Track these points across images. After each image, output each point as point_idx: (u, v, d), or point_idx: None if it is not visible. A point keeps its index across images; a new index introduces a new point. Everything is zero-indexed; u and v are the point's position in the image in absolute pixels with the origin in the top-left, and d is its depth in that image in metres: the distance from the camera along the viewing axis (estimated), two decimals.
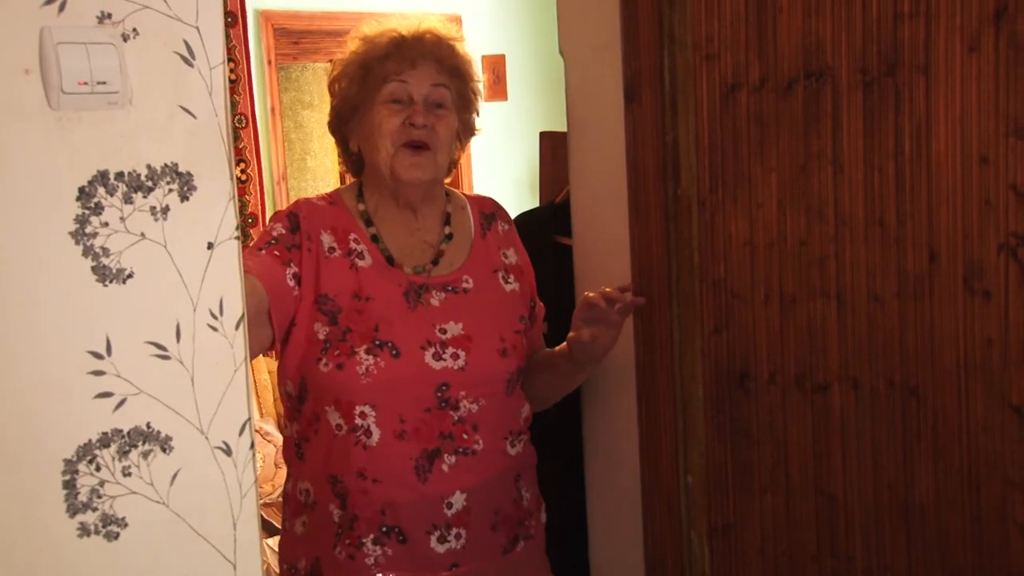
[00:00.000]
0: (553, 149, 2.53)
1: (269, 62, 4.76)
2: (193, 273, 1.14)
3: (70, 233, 1.06)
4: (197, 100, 1.14)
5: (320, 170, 5.28)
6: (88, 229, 1.07)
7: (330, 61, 5.56)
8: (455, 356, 1.75)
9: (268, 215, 4.68)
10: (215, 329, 1.15)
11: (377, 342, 1.71)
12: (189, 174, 1.13)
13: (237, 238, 1.17)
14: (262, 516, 1.33)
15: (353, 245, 1.79)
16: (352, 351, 1.70)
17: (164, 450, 1.14)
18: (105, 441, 1.10)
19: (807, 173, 1.76)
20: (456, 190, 1.97)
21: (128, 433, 1.11)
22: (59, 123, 1.05)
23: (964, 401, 1.69)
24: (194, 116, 1.14)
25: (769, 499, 1.87)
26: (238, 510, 1.19)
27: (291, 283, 1.73)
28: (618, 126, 1.93)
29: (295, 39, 4.99)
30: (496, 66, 5.53)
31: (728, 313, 1.86)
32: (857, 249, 1.74)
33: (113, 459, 1.11)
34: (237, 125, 4.33)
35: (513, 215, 2.64)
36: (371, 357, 1.70)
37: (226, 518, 1.19)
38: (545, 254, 2.21)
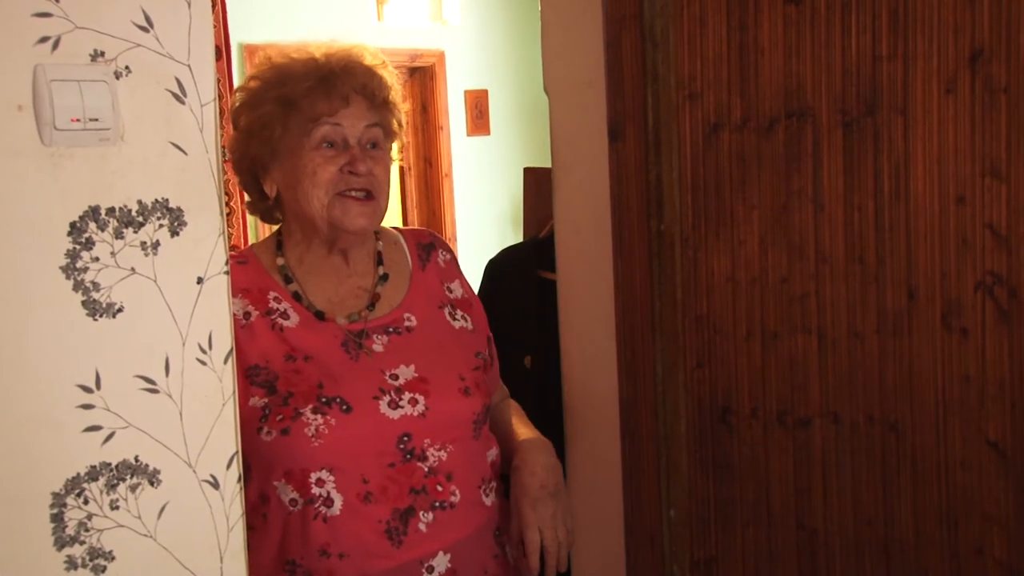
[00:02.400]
0: (537, 185, 2.55)
1: None
2: (182, 307, 1.15)
3: (61, 268, 1.07)
4: (188, 137, 1.15)
5: None
6: (79, 264, 1.08)
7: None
8: (413, 402, 1.58)
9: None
10: (204, 363, 1.16)
11: (323, 399, 1.53)
12: (180, 210, 1.15)
13: (226, 273, 1.18)
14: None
15: (273, 304, 1.61)
16: (297, 413, 1.51)
17: (152, 483, 1.14)
18: (93, 474, 1.10)
19: (788, 211, 1.79)
20: (384, 226, 1.79)
21: (116, 466, 1.12)
22: (51, 159, 1.07)
23: (942, 437, 1.71)
24: (185, 152, 1.15)
25: (751, 533, 1.88)
26: (225, 543, 1.20)
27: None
28: (602, 163, 1.95)
29: None
30: (479, 101, 5.57)
31: (710, 349, 1.88)
32: (837, 286, 1.77)
33: (101, 492, 1.11)
34: (220, 158, 4.33)
35: (496, 250, 2.66)
36: (319, 416, 1.51)
37: (213, 551, 1.19)
38: (529, 289, 2.23)
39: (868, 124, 1.71)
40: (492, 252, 2.61)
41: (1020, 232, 1.59)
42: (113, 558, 1.12)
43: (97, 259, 1.09)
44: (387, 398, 1.57)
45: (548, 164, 2.11)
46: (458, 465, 1.60)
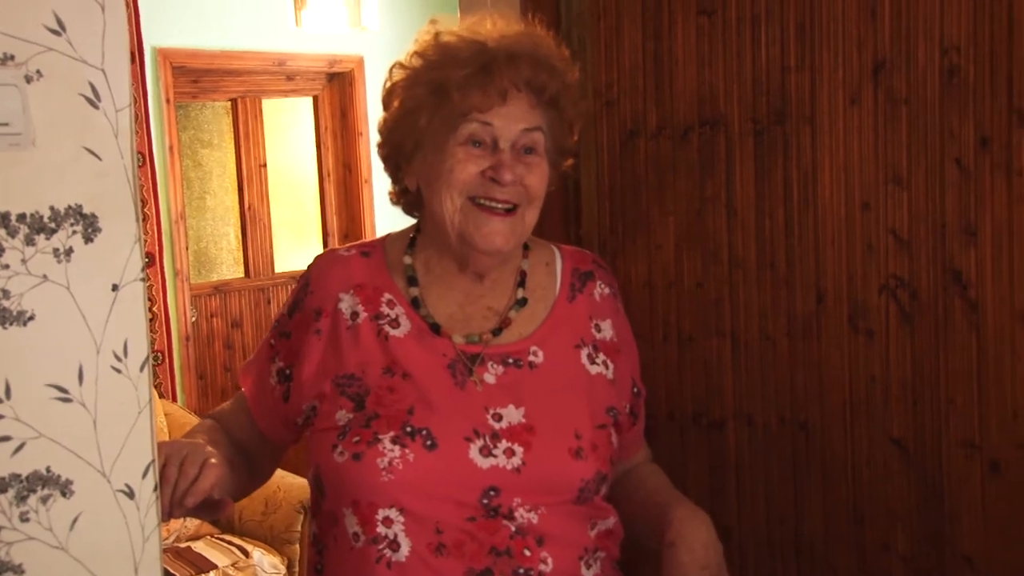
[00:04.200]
0: None
1: (167, 100, 4.71)
2: (97, 315, 1.13)
3: None
4: (102, 142, 1.14)
5: (220, 209, 5.22)
6: None
7: (229, 101, 5.49)
8: (509, 452, 1.34)
9: (165, 254, 4.61)
10: (119, 371, 1.15)
11: (408, 428, 1.33)
12: (94, 216, 1.13)
13: (142, 280, 1.17)
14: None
15: (385, 308, 1.42)
16: (375, 438, 1.33)
17: (64, 494, 1.12)
18: (2, 486, 1.08)
19: (703, 217, 1.83)
20: (543, 240, 1.56)
21: (27, 478, 1.10)
22: None
23: (850, 436, 1.76)
24: (99, 158, 1.14)
25: None
26: (140, 554, 1.18)
27: (273, 380, 1.46)
28: None
29: (194, 78, 4.95)
30: None
31: None
32: (750, 290, 1.81)
33: (11, 504, 1.09)
34: (136, 164, 4.26)
35: None
36: (397, 448, 1.32)
37: (127, 562, 1.17)
38: None
39: (778, 133, 1.76)
40: None
41: (921, 237, 1.66)
42: (23, 571, 1.10)
43: (7, 266, 1.08)
44: (480, 442, 1.35)
45: None
46: (552, 528, 1.36)
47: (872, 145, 1.68)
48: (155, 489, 1.20)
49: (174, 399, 4.44)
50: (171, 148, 4.74)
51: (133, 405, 1.16)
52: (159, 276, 4.38)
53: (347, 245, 1.52)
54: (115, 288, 1.15)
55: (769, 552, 1.85)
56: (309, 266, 1.51)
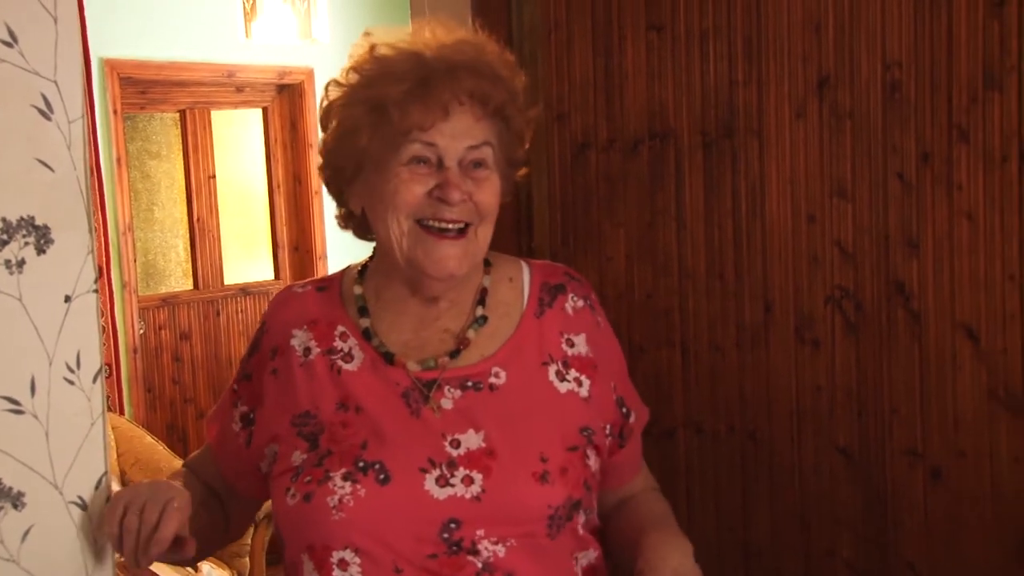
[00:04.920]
0: None
1: (115, 112, 4.66)
2: (49, 327, 1.13)
3: None
4: (55, 154, 1.14)
5: (168, 221, 5.17)
6: None
7: (178, 112, 5.41)
8: (467, 480, 1.25)
9: (113, 267, 4.56)
10: (72, 383, 1.14)
11: (360, 463, 1.26)
12: (46, 227, 1.13)
13: (95, 291, 1.16)
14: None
15: (338, 342, 1.35)
16: (326, 476, 1.25)
17: (16, 506, 1.12)
18: None
19: (653, 229, 1.86)
20: (510, 256, 1.47)
21: None
22: None
23: (796, 445, 1.79)
24: (52, 170, 1.13)
25: None
26: (92, 566, 1.18)
27: (237, 427, 1.39)
28: None
29: (142, 88, 4.91)
30: None
31: None
32: (699, 301, 1.84)
33: None
34: (88, 175, 4.21)
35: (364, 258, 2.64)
36: (348, 484, 1.24)
37: (80, 574, 1.17)
38: None
39: (726, 146, 1.79)
40: None
41: (864, 248, 1.69)
42: None
43: None
44: (437, 472, 1.25)
45: None
46: (524, 564, 1.25)
47: (817, 158, 1.72)
48: (107, 500, 1.19)
49: (121, 412, 4.39)
50: (119, 160, 4.69)
51: (86, 416, 1.16)
52: (106, 288, 4.33)
53: (304, 281, 1.47)
54: (68, 299, 1.14)
55: (718, 559, 1.87)
56: (268, 305, 1.46)
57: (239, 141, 5.42)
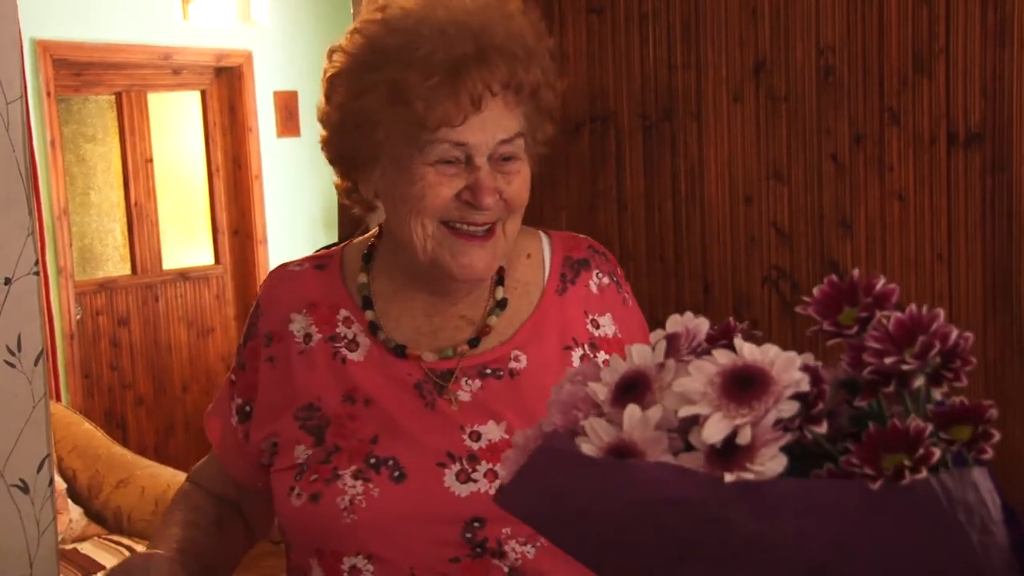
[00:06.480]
0: None
1: (48, 94, 4.58)
2: None
3: None
4: None
5: (105, 205, 5.10)
6: None
7: (113, 94, 5.30)
8: (491, 475, 1.16)
9: (48, 251, 4.48)
10: (12, 365, 1.13)
11: (372, 460, 1.17)
12: None
13: (36, 273, 1.16)
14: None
15: (341, 328, 1.26)
16: (334, 474, 1.16)
17: None
18: None
19: (594, 211, 1.88)
20: (529, 228, 1.34)
21: None
22: None
23: None
24: None
25: None
26: (35, 548, 1.17)
27: (235, 421, 1.28)
28: None
29: (77, 71, 4.82)
30: (288, 102, 5.51)
31: None
32: (640, 282, 1.87)
33: None
34: (28, 157, 4.14)
35: (308, 251, 2.63)
36: (360, 483, 1.15)
37: (22, 557, 1.16)
38: None
39: (666, 129, 1.82)
40: (303, 254, 2.60)
41: (800, 230, 1.73)
42: None
43: None
44: (456, 466, 1.17)
45: None
46: (555, 566, 1.15)
47: (754, 141, 1.75)
48: (50, 483, 1.19)
49: (58, 398, 4.33)
50: (53, 143, 4.60)
51: (27, 399, 1.15)
52: (42, 273, 4.26)
53: (301, 259, 1.35)
54: (7, 282, 1.13)
55: None
56: (261, 285, 1.33)
57: (177, 124, 5.36)
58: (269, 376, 1.25)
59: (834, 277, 0.63)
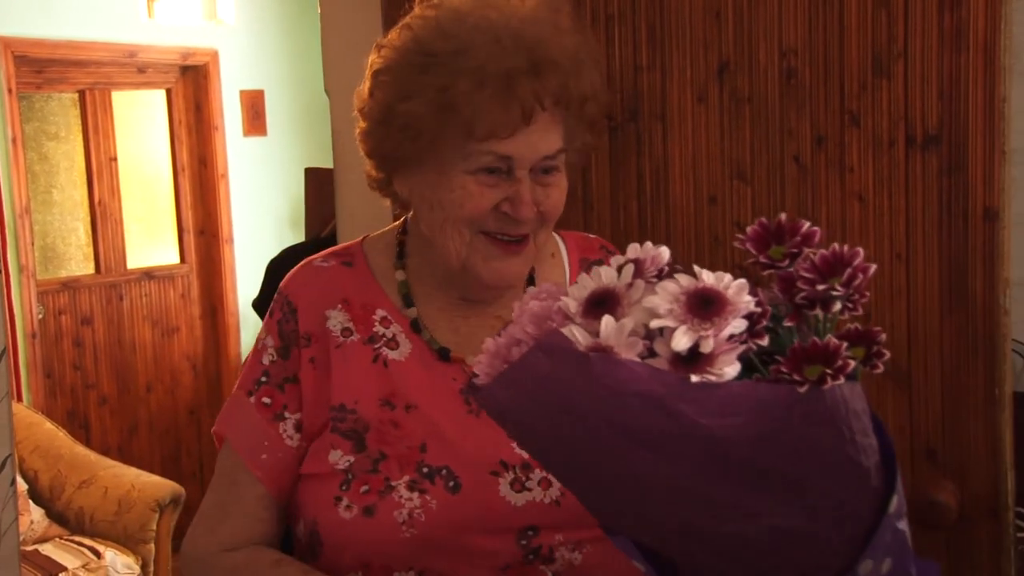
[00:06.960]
0: (319, 185, 2.57)
1: (9, 91, 4.53)
2: None
3: None
4: None
5: (68, 204, 5.05)
6: None
7: (76, 92, 5.29)
8: (545, 483, 1.14)
9: (9, 249, 4.44)
10: None
11: (425, 469, 1.13)
12: None
13: None
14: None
15: (379, 328, 1.22)
16: (388, 486, 1.12)
17: None
18: None
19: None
20: None
21: None
22: None
23: None
24: None
25: None
26: None
27: (292, 442, 1.20)
28: None
29: (38, 68, 4.77)
30: (255, 101, 5.48)
31: None
32: None
33: None
34: None
35: (274, 251, 2.64)
36: (416, 495, 1.11)
37: None
38: None
39: (631, 129, 1.83)
40: (270, 253, 2.60)
41: None
42: None
43: None
44: (510, 475, 1.14)
45: (326, 164, 2.13)
46: (598, 567, 1.16)
47: (718, 142, 1.77)
48: (12, 483, 1.18)
49: (19, 399, 4.28)
50: (14, 140, 4.56)
51: None
52: (2, 272, 4.22)
53: (320, 254, 1.31)
54: None
55: None
56: (284, 288, 1.27)
57: (142, 123, 5.32)
58: (310, 377, 1.21)
59: (764, 220, 0.83)
